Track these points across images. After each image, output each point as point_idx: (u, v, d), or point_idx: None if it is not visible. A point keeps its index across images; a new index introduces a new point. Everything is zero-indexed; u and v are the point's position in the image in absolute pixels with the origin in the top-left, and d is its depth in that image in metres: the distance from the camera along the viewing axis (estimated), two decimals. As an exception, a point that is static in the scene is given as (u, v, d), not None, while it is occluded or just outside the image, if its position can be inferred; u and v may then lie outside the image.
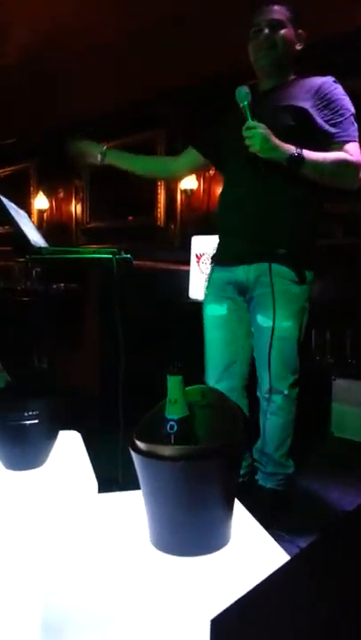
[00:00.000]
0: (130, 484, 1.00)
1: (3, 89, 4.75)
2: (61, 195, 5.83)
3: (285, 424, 1.82)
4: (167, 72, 3.99)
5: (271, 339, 1.73)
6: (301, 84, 1.80)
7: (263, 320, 1.76)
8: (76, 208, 5.71)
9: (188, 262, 3.21)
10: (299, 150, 1.65)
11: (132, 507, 0.95)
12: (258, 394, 1.84)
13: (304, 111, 1.72)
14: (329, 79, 1.79)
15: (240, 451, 0.85)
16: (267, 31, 1.76)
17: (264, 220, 1.73)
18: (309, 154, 1.66)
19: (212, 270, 1.94)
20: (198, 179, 4.46)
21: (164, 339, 2.40)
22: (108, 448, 1.58)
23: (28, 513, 1.05)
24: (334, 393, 2.95)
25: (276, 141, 1.64)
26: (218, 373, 1.89)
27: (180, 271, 3.23)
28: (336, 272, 3.24)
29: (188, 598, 0.73)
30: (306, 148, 1.67)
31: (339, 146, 1.73)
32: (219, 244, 1.94)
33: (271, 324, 1.72)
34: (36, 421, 1.14)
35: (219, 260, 1.92)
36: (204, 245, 3.15)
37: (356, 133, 1.76)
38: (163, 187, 4.76)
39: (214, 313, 1.90)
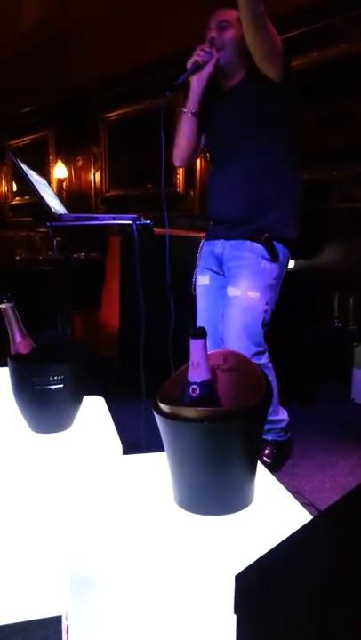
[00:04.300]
0: (152, 447, 1.02)
1: (18, 57, 4.68)
2: (80, 163, 5.78)
3: None
4: (184, 34, 3.86)
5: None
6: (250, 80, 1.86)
7: (231, 290, 1.90)
8: (95, 176, 5.66)
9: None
10: None
11: (157, 468, 0.97)
12: None
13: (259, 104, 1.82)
14: None
15: (262, 413, 0.86)
16: (213, 34, 1.84)
17: (240, 201, 1.89)
18: None
19: (202, 245, 2.11)
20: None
21: (184, 305, 2.41)
22: (130, 413, 1.61)
23: (57, 474, 1.08)
24: (356, 359, 2.93)
25: None
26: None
27: (200, 239, 3.20)
28: (358, 237, 3.18)
29: (213, 556, 0.75)
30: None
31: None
32: (210, 223, 2.12)
33: (237, 293, 1.87)
34: (62, 386, 1.16)
35: (207, 235, 2.10)
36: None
37: None
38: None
39: (200, 283, 2.08)
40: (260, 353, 1.91)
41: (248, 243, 1.88)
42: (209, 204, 2.07)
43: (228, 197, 1.94)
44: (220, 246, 1.97)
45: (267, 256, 1.87)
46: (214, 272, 2.03)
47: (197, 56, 1.80)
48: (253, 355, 1.88)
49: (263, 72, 1.76)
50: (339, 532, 0.57)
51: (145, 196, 5.08)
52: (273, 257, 1.87)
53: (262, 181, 1.88)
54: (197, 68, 1.81)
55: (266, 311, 1.89)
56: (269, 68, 1.75)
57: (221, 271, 2.00)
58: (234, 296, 1.88)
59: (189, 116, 1.94)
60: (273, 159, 1.88)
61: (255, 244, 1.87)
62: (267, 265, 1.87)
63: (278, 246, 1.89)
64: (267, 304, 1.89)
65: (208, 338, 2.01)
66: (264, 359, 1.93)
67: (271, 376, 1.95)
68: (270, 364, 1.96)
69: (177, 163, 2.10)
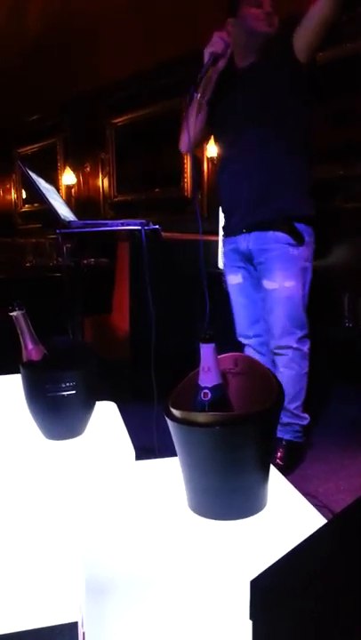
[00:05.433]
0: (165, 451, 1.01)
1: (25, 65, 4.72)
2: (88, 169, 5.82)
3: (298, 377, 1.96)
4: (190, 39, 3.87)
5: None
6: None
7: (268, 283, 1.92)
8: (103, 182, 5.68)
9: (216, 232, 3.18)
10: None
11: (170, 473, 0.97)
12: (270, 350, 2.01)
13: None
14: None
15: (274, 416, 0.85)
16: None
17: (256, 180, 1.89)
18: None
19: (223, 243, 2.12)
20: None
21: (194, 308, 2.41)
22: (142, 418, 1.61)
23: (70, 481, 1.09)
24: (368, 359, 2.91)
25: None
26: (245, 333, 2.12)
27: (208, 241, 3.20)
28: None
29: (228, 561, 0.74)
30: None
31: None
32: (224, 216, 2.11)
33: (275, 286, 1.89)
34: (74, 392, 1.16)
35: (225, 232, 2.10)
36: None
37: None
38: (188, 157, 4.69)
39: (232, 282, 2.11)
40: (305, 337, 1.95)
41: (271, 233, 1.88)
42: (222, 190, 2.05)
43: (244, 178, 1.92)
44: (244, 241, 1.96)
45: (292, 242, 1.87)
46: (245, 269, 2.04)
47: (215, 46, 1.76)
48: (299, 339, 1.93)
49: (296, 53, 1.78)
50: (355, 534, 0.57)
51: (153, 201, 5.09)
52: (299, 240, 1.88)
53: (278, 160, 1.87)
54: (216, 59, 1.78)
55: (304, 295, 1.93)
56: (306, 51, 1.77)
57: (252, 265, 2.01)
58: (272, 289, 1.91)
59: (202, 104, 1.94)
60: (287, 141, 1.88)
61: (278, 233, 1.87)
62: (295, 251, 1.88)
63: (301, 227, 1.88)
64: (304, 288, 1.92)
65: (250, 331, 2.05)
66: (307, 347, 1.97)
67: (306, 368, 1.98)
68: (308, 356, 1.98)
69: (183, 148, 2.10)
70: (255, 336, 2.09)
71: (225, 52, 1.79)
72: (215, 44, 1.76)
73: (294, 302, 1.91)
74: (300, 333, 1.93)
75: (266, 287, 1.94)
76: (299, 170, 1.91)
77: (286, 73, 1.82)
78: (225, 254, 2.11)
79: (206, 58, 1.79)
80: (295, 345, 1.93)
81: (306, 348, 1.97)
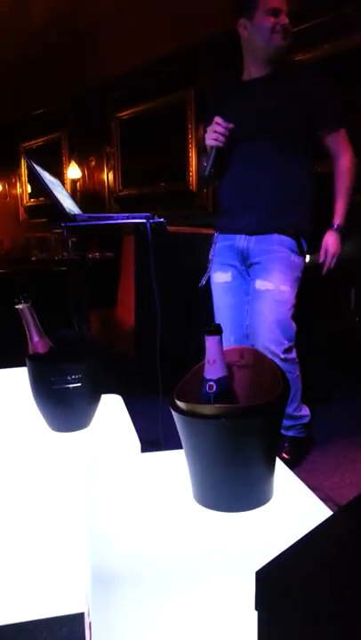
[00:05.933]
0: (171, 444, 1.02)
1: (30, 59, 4.71)
2: (93, 163, 5.81)
3: (291, 382, 1.85)
4: (195, 32, 3.86)
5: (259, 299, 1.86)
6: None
7: (261, 284, 1.86)
8: (108, 176, 5.68)
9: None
10: (337, 224, 1.94)
11: (175, 465, 0.97)
12: None
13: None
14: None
15: (280, 409, 0.85)
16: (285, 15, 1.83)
17: (275, 188, 1.86)
18: (339, 215, 1.94)
19: (216, 239, 2.03)
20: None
21: (198, 302, 2.41)
22: (148, 410, 1.61)
23: (76, 473, 1.09)
24: (375, 353, 2.90)
25: (332, 241, 1.92)
26: (227, 337, 1.97)
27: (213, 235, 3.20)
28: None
29: (233, 552, 0.74)
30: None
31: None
32: (222, 215, 2.02)
33: (270, 286, 1.83)
34: (79, 385, 1.16)
35: (221, 230, 2.01)
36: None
37: None
38: (194, 151, 4.68)
39: (219, 280, 2.01)
40: (291, 348, 1.89)
41: (276, 236, 1.85)
42: (227, 193, 2.00)
43: (261, 183, 1.87)
44: (244, 240, 1.90)
45: (296, 249, 1.86)
46: (236, 268, 1.96)
47: (218, 141, 1.80)
48: (286, 350, 1.86)
49: (319, 134, 1.91)
50: (360, 526, 0.57)
51: (158, 195, 5.08)
52: (300, 251, 1.88)
53: (293, 173, 1.86)
54: (220, 151, 1.82)
55: (294, 305, 1.88)
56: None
57: (244, 265, 1.94)
58: (266, 290, 1.84)
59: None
60: (299, 154, 1.88)
61: (283, 237, 1.85)
62: (296, 258, 1.87)
63: (303, 243, 1.89)
64: (295, 297, 1.88)
65: (232, 335, 2.00)
66: (294, 354, 1.91)
67: (298, 372, 1.94)
68: (297, 360, 1.94)
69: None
70: (236, 342, 1.97)
71: (225, 139, 1.81)
72: (218, 139, 1.79)
73: (285, 309, 1.85)
74: (287, 344, 1.86)
75: (258, 287, 1.86)
76: (310, 186, 1.92)
77: (298, 102, 1.84)
78: (217, 250, 2.01)
79: (208, 146, 1.83)
80: (282, 355, 1.85)
81: (294, 354, 1.91)
